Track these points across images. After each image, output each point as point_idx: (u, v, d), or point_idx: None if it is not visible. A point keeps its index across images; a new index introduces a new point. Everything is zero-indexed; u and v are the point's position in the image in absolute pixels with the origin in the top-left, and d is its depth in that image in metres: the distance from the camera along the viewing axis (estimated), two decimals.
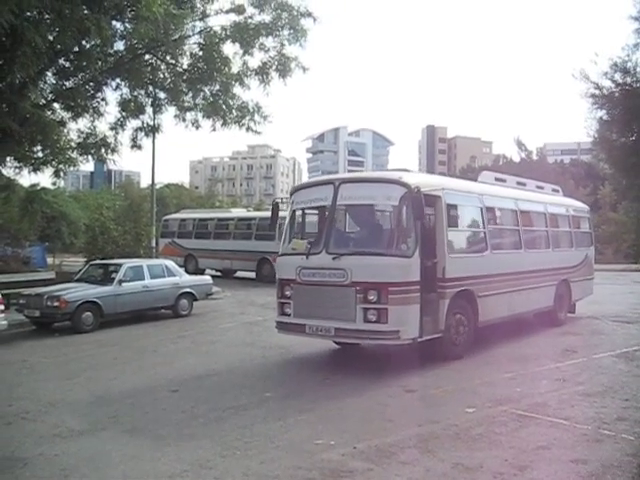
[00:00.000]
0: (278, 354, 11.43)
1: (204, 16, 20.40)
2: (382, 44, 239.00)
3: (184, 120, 22.05)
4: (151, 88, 21.83)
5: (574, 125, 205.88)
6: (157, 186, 34.07)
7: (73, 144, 21.32)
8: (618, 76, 15.07)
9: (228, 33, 19.95)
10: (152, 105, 22.18)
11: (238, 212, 31.99)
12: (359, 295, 9.31)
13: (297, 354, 11.41)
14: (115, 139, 21.53)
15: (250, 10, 19.95)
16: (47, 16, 15.90)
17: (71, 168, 22.16)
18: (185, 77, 21.13)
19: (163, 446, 6.65)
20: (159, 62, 21.19)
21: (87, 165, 25.33)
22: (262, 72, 20.47)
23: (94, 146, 21.27)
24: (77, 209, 39.46)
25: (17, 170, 21.76)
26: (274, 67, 20.35)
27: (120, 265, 16.34)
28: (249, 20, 19.99)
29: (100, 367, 11.05)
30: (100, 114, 21.16)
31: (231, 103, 20.92)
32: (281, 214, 11.82)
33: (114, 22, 18.04)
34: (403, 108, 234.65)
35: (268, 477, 5.76)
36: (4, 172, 21.98)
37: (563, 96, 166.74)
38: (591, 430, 6.75)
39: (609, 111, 15.71)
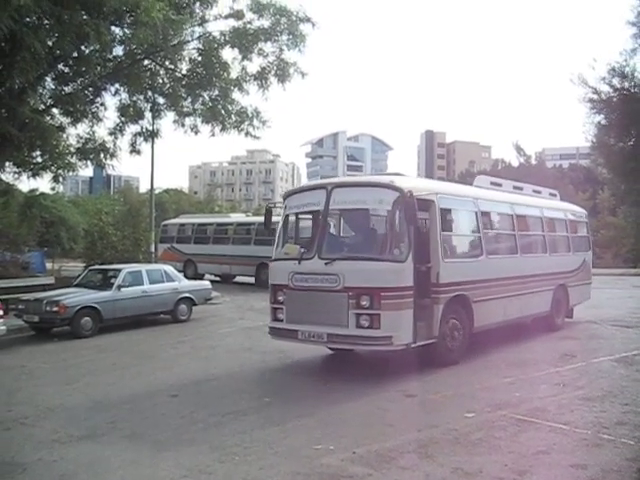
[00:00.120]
0: (277, 359, 11.42)
1: (203, 21, 20.48)
2: (381, 49, 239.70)
3: (183, 125, 22.14)
4: (150, 93, 21.90)
5: (573, 130, 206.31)
6: (156, 191, 34.06)
7: (72, 149, 21.39)
8: (616, 81, 15.09)
9: (227, 38, 20.01)
10: (151, 110, 22.25)
11: (237, 217, 31.98)
12: (351, 300, 9.25)
13: (296, 359, 11.40)
14: (114, 144, 21.62)
15: (249, 15, 20.05)
16: (46, 21, 15.95)
17: (70, 173, 22.29)
18: (184, 82, 21.20)
19: (162, 451, 6.64)
20: (158, 67, 21.26)
21: (86, 170, 25.33)
22: (261, 77, 20.53)
23: (93, 151, 21.31)
24: (76, 214, 39.55)
25: (16, 175, 21.87)
26: (273, 72, 20.42)
27: (119, 270, 16.32)
28: (248, 25, 20.06)
29: (99, 372, 11.03)
30: (99, 119, 21.24)
31: (230, 108, 20.98)
32: (275, 219, 11.76)
33: (113, 27, 18.12)
34: (402, 113, 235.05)
35: None
36: (3, 177, 22.09)
37: (561, 101, 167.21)
38: (591, 435, 6.73)
39: (607, 116, 15.73)
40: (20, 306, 15.22)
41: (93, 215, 34.13)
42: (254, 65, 20.87)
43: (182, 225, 31.37)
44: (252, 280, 25.49)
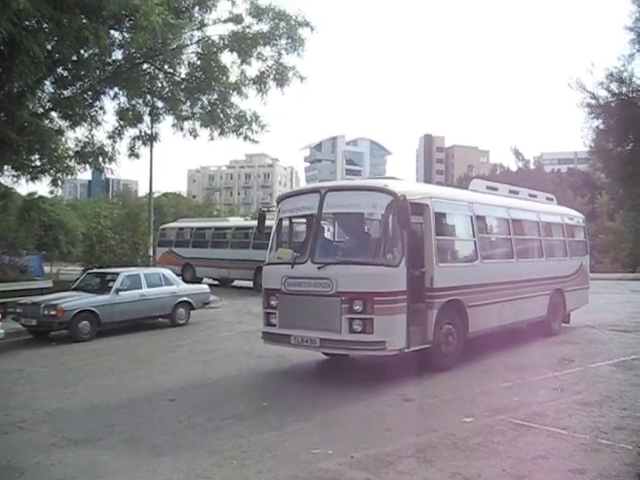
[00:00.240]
0: (275, 363, 11.40)
1: (202, 25, 20.54)
2: (380, 53, 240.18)
3: (182, 129, 22.21)
4: (149, 97, 21.94)
5: (571, 134, 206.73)
6: (155, 195, 34.03)
7: (71, 153, 21.43)
8: (614, 86, 15.12)
9: (226, 42, 20.07)
10: (150, 114, 22.30)
11: (235, 221, 31.98)
12: (344, 305, 9.18)
13: (294, 363, 11.38)
14: (113, 148, 21.68)
15: (248, 19, 20.13)
16: (45, 25, 15.98)
17: (69, 177, 22.31)
18: (183, 86, 21.25)
19: (160, 456, 6.63)
20: (157, 71, 21.30)
21: (85, 174, 25.37)
22: (260, 81, 20.59)
23: (92, 155, 21.35)
24: (74, 218, 39.55)
25: (15, 179, 21.92)
26: (272, 76, 20.48)
27: (117, 274, 16.31)
28: (247, 29, 20.13)
29: (97, 376, 11.01)
30: (98, 123, 21.28)
31: (229, 112, 21.03)
32: (269, 223, 11.68)
33: (112, 31, 18.15)
34: (401, 117, 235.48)
35: None
36: (2, 181, 22.13)
37: (560, 106, 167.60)
38: (589, 439, 6.72)
39: (605, 121, 15.75)
40: (18, 310, 15.21)
41: (92, 219, 34.16)
42: (253, 69, 21.01)
43: (180, 229, 31.36)
44: (250, 284, 25.47)
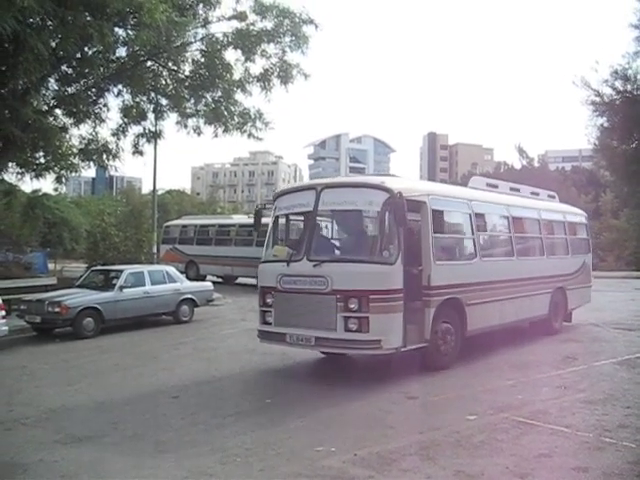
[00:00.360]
0: (278, 360, 11.40)
1: (206, 23, 20.55)
2: (384, 51, 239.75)
3: (186, 126, 22.19)
4: (153, 94, 21.94)
5: (575, 132, 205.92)
6: (158, 192, 34.16)
7: (75, 150, 21.46)
8: (619, 84, 15.13)
9: (230, 40, 20.07)
10: (154, 111, 22.29)
11: (239, 218, 31.94)
12: (340, 303, 9.09)
13: (297, 360, 11.38)
14: (117, 145, 21.67)
15: (252, 17, 20.14)
16: (50, 23, 15.98)
17: (73, 174, 22.35)
18: (187, 83, 21.25)
19: (163, 453, 6.64)
20: (161, 69, 21.31)
21: (89, 171, 25.38)
22: (264, 79, 20.58)
23: (96, 152, 21.36)
24: (78, 215, 39.62)
25: (19, 176, 21.94)
26: (276, 74, 20.47)
27: (121, 271, 16.34)
28: (251, 27, 20.13)
29: (101, 373, 11.03)
30: (102, 120, 21.29)
31: (233, 109, 21.02)
32: (265, 220, 11.58)
33: (116, 29, 18.15)
34: (404, 115, 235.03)
35: None
36: (6, 178, 22.17)
37: (564, 103, 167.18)
38: (592, 438, 6.72)
39: (610, 118, 15.75)
40: (22, 307, 15.23)
41: (95, 216, 34.17)
42: (257, 66, 20.97)
43: (184, 226, 31.38)
44: (254, 282, 25.42)
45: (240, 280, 27.67)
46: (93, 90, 20.42)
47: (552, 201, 15.83)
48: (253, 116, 21.04)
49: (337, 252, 10.56)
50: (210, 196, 76.31)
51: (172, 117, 22.61)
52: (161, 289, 16.64)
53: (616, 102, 15.42)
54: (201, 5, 20.12)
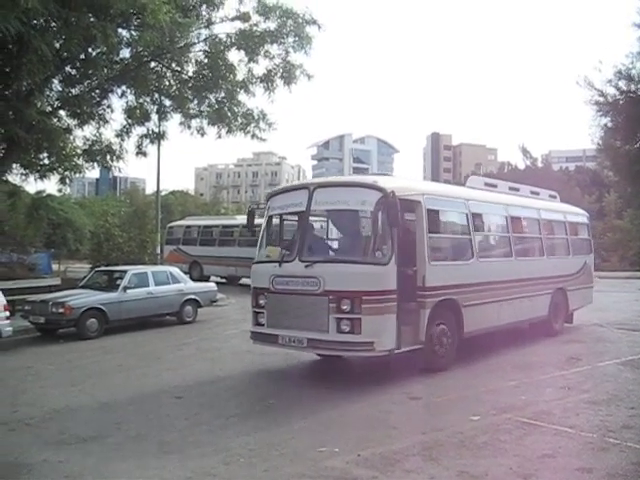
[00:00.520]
0: (281, 361, 11.41)
1: (209, 24, 20.57)
2: (387, 51, 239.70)
3: (189, 127, 22.21)
4: (157, 95, 21.97)
5: (579, 132, 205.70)
6: (162, 193, 34.17)
7: (79, 151, 21.50)
8: (622, 83, 15.09)
9: (233, 40, 20.10)
10: (157, 112, 22.33)
11: (243, 219, 31.92)
12: (332, 304, 8.97)
13: (301, 361, 11.39)
14: (120, 146, 21.71)
15: (255, 18, 20.14)
16: (53, 24, 16.04)
17: (77, 175, 22.41)
18: (190, 84, 21.28)
19: (167, 453, 6.65)
20: (165, 69, 21.35)
21: (92, 172, 25.43)
22: (267, 79, 20.59)
23: (99, 153, 21.41)
24: (82, 216, 39.62)
25: (23, 177, 22.01)
26: (279, 74, 20.48)
27: (125, 272, 16.37)
28: (254, 27, 20.14)
29: (105, 374, 11.05)
30: (106, 121, 21.35)
31: (236, 110, 21.04)
32: (259, 220, 11.49)
33: (120, 30, 18.17)
34: (408, 115, 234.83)
35: None
36: (11, 179, 22.20)
37: (568, 103, 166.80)
38: (596, 438, 6.71)
39: (613, 118, 15.70)
40: (26, 307, 15.29)
41: (99, 217, 34.28)
42: (260, 67, 20.98)
43: (188, 227, 31.41)
44: None
45: (244, 281, 27.58)
46: (97, 91, 20.46)
47: (553, 201, 15.67)
48: (256, 117, 21.05)
49: (330, 252, 10.47)
50: (214, 197, 76.20)
51: (176, 118, 22.68)
52: (165, 290, 16.68)
53: (620, 102, 15.38)
54: (204, 6, 20.16)
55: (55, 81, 19.55)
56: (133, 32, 18.60)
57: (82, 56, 18.17)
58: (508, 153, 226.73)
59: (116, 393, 9.47)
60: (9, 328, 13.28)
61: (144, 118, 22.19)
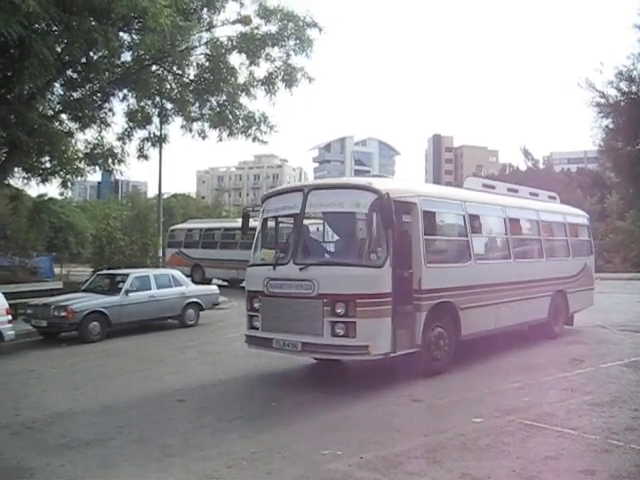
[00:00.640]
0: (283, 363, 11.38)
1: (210, 27, 20.59)
2: (388, 54, 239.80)
3: (191, 130, 22.24)
4: (158, 99, 22.02)
5: (580, 134, 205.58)
6: (164, 196, 34.19)
7: (80, 154, 21.55)
8: (623, 85, 15.13)
9: (234, 44, 20.11)
10: (159, 115, 22.38)
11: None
12: (326, 308, 8.87)
13: (303, 363, 11.38)
14: (122, 149, 21.77)
15: (256, 21, 20.16)
16: (55, 28, 16.08)
17: (78, 178, 22.47)
18: (192, 87, 21.31)
19: (170, 456, 6.65)
20: (166, 73, 21.38)
21: (94, 175, 25.46)
22: (268, 82, 20.60)
23: (101, 156, 21.46)
24: (84, 219, 39.71)
25: (25, 181, 22.05)
26: (280, 77, 20.49)
27: (127, 275, 16.39)
28: (255, 31, 20.15)
29: (107, 377, 11.06)
30: (107, 125, 21.39)
31: (237, 113, 21.05)
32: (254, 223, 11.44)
33: (121, 33, 18.21)
34: (409, 117, 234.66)
35: None
36: (12, 183, 22.24)
37: (569, 105, 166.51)
38: (599, 440, 6.69)
39: (615, 120, 15.74)
40: (28, 311, 15.32)
41: (101, 220, 34.29)
42: (261, 70, 21.00)
43: (190, 230, 31.43)
44: None
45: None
46: (98, 95, 20.50)
47: (552, 202, 15.45)
48: (258, 119, 21.06)
49: (324, 255, 10.40)
50: (215, 200, 76.50)
51: (177, 121, 22.74)
52: (167, 293, 16.69)
53: (621, 103, 15.42)
54: (205, 9, 20.19)
55: (57, 85, 19.60)
56: (134, 36, 18.65)
57: (83, 60, 18.21)
58: (510, 155, 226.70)
59: (118, 396, 9.48)
60: (11, 332, 13.30)
61: (145, 121, 22.24)
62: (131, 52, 19.76)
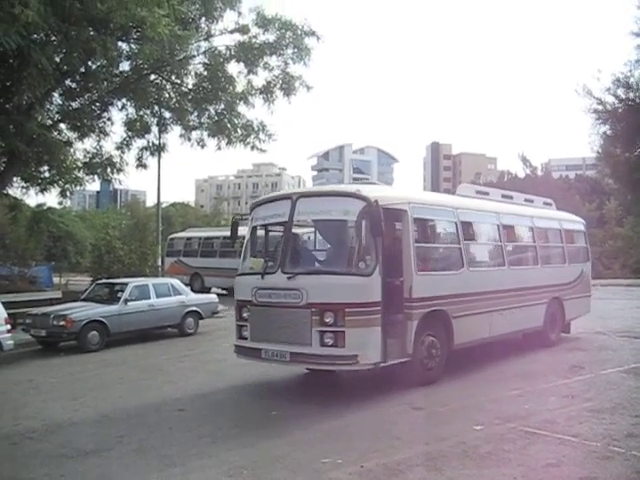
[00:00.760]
0: (283, 372, 11.35)
1: (209, 36, 20.67)
2: (386, 61, 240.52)
3: (189, 139, 22.28)
4: (157, 108, 22.07)
5: (579, 140, 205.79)
6: (163, 205, 34.15)
7: (79, 164, 21.60)
8: (621, 92, 15.18)
9: (233, 53, 20.18)
10: (157, 124, 22.42)
11: (243, 230, 31.96)
12: (315, 317, 8.73)
13: (301, 372, 11.31)
14: (121, 158, 21.81)
15: (254, 30, 20.23)
16: (54, 38, 16.14)
17: (77, 188, 22.49)
18: (190, 96, 21.36)
19: (170, 466, 6.61)
20: (164, 82, 21.44)
21: (93, 185, 25.48)
22: (266, 91, 20.66)
23: (100, 166, 21.49)
24: (83, 228, 39.69)
25: (24, 190, 22.09)
26: (278, 86, 20.56)
27: (126, 284, 16.37)
28: (253, 40, 20.22)
29: (106, 386, 11.03)
30: (106, 134, 21.45)
31: (236, 122, 21.09)
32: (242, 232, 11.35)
33: (120, 43, 18.28)
34: (408, 125, 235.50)
35: None
36: (11, 192, 22.25)
37: (567, 112, 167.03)
38: (600, 447, 6.67)
39: (613, 126, 15.78)
40: (27, 320, 15.28)
41: (100, 229, 34.34)
42: (260, 79, 21.07)
43: (189, 239, 31.44)
44: None
45: None
46: (97, 104, 20.56)
47: (548, 208, 15.28)
48: (256, 128, 21.08)
49: (313, 263, 10.29)
50: (214, 208, 76.31)
51: (176, 130, 22.77)
52: (166, 302, 16.66)
53: (619, 110, 15.47)
54: (204, 19, 20.25)
55: (55, 94, 19.65)
56: (133, 45, 18.71)
57: (82, 69, 18.27)
58: (508, 162, 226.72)
59: (117, 406, 9.46)
60: (10, 341, 13.26)
61: (144, 130, 22.27)
62: (130, 61, 19.82)
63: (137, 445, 7.44)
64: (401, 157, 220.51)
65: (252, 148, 21.35)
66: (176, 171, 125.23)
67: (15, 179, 20.63)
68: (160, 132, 22.58)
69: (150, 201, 70.78)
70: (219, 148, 21.58)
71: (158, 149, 22.78)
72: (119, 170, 21.58)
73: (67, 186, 21.50)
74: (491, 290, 11.33)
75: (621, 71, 15.32)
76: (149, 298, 16.26)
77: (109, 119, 21.42)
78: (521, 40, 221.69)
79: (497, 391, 9.49)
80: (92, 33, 15.72)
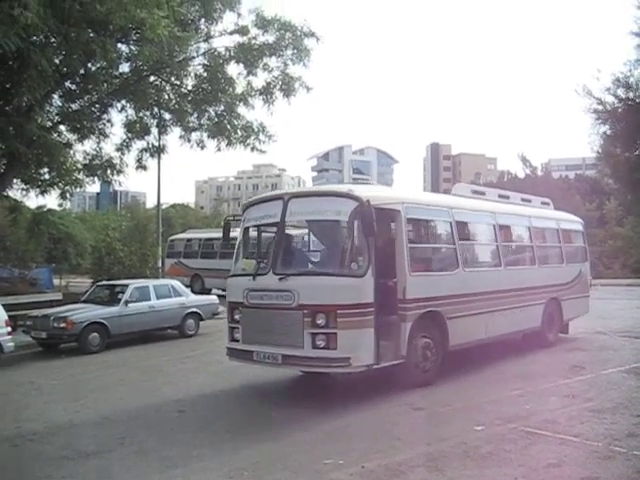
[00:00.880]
0: (283, 373, 11.33)
1: (208, 37, 20.68)
2: (385, 62, 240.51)
3: (189, 140, 22.27)
4: (156, 109, 22.06)
5: (579, 140, 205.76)
6: (163, 206, 34.18)
7: (79, 166, 21.59)
8: (621, 91, 15.18)
9: (232, 54, 20.17)
10: (157, 126, 22.41)
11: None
12: (307, 319, 8.62)
13: (301, 373, 11.32)
14: (121, 160, 21.79)
15: (254, 31, 20.24)
16: (53, 39, 16.13)
17: (77, 189, 22.47)
18: (190, 98, 21.36)
19: (171, 468, 6.61)
20: (164, 83, 21.44)
21: (93, 186, 25.59)
22: (266, 92, 20.65)
23: (100, 167, 21.49)
24: (83, 230, 39.70)
25: (24, 192, 22.08)
26: (278, 87, 20.56)
27: (126, 286, 16.37)
28: (253, 41, 20.23)
29: (107, 388, 11.03)
30: (106, 135, 21.45)
31: (236, 123, 21.09)
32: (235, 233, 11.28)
33: (119, 45, 18.28)
34: (407, 126, 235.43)
35: None
36: (11, 194, 22.22)
37: (567, 112, 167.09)
38: (602, 447, 6.66)
39: (612, 126, 15.78)
40: (28, 322, 15.28)
41: (100, 231, 34.32)
42: (259, 80, 21.06)
43: (189, 240, 31.44)
44: None
45: None
46: (97, 106, 20.56)
47: (545, 208, 15.17)
48: (256, 129, 21.08)
49: (305, 264, 10.22)
50: (214, 210, 76.48)
51: (175, 131, 22.74)
52: (166, 303, 16.66)
53: (618, 110, 15.46)
54: (203, 20, 20.26)
55: (55, 96, 19.65)
56: (132, 47, 18.71)
57: (82, 71, 18.26)
58: (508, 162, 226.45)
59: (118, 408, 9.45)
60: (11, 343, 13.27)
61: (144, 132, 22.27)
62: (129, 63, 19.83)
63: (138, 447, 7.44)
64: (401, 158, 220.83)
65: (252, 149, 21.35)
66: (176, 172, 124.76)
67: (15, 181, 20.63)
68: (160, 133, 22.57)
69: (150, 202, 70.97)
70: (219, 149, 21.60)
71: (158, 150, 22.77)
72: (119, 172, 21.58)
73: (67, 188, 21.51)
74: (487, 291, 11.24)
75: (621, 71, 15.33)
76: (149, 299, 16.26)
77: (109, 121, 21.45)
78: (521, 40, 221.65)
79: (497, 391, 9.48)
80: (92, 35, 15.73)
